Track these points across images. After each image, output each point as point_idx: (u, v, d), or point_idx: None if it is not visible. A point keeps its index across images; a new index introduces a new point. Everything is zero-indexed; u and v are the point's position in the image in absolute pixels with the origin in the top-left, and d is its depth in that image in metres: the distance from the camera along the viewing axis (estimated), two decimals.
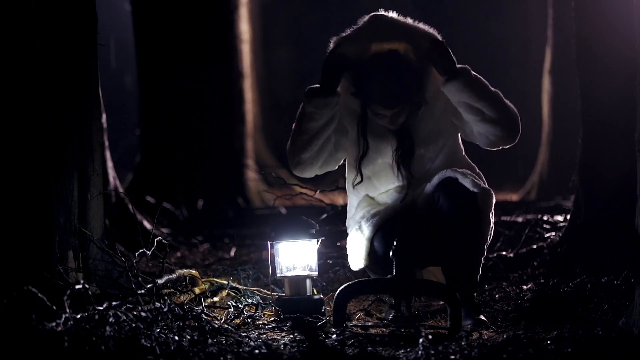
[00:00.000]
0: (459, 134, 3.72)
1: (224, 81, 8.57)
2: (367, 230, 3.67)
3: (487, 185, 3.59)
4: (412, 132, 3.65)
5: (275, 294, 4.02)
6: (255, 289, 4.09)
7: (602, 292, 3.82)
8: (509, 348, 2.91)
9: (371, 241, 3.65)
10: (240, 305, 3.82)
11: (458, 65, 3.52)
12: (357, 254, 3.72)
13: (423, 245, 3.59)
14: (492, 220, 3.59)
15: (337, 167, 3.80)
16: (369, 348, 3.09)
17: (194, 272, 4.01)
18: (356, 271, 4.38)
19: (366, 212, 3.71)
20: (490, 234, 3.60)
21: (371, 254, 3.65)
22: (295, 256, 3.75)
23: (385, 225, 3.64)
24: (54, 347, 2.66)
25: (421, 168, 3.67)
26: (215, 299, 3.94)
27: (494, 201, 3.58)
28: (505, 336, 3.12)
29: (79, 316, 2.83)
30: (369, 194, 3.76)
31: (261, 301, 3.94)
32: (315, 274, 3.76)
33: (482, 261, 3.60)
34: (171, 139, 8.33)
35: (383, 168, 3.70)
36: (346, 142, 3.72)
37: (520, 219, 5.51)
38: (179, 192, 7.91)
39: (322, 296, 3.75)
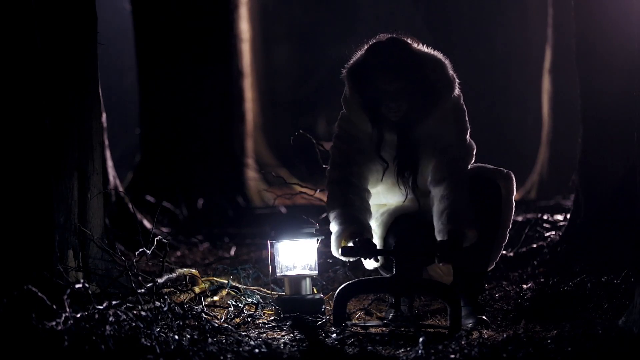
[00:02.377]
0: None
1: (224, 80, 8.57)
2: (378, 229, 3.69)
3: (508, 171, 3.63)
4: (417, 148, 3.65)
5: (275, 293, 4.02)
6: (255, 288, 4.09)
7: (602, 291, 3.82)
8: (509, 347, 2.91)
9: (384, 239, 3.67)
10: (240, 305, 3.82)
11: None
12: None
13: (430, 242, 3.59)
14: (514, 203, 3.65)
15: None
16: (369, 347, 3.09)
17: (194, 271, 4.01)
18: (357, 270, 4.38)
19: (374, 211, 3.72)
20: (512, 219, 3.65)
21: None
22: (295, 255, 3.75)
23: (397, 222, 3.65)
24: (54, 347, 2.66)
25: (426, 182, 3.67)
26: (215, 298, 3.94)
27: (515, 183, 3.62)
28: (505, 335, 3.12)
29: (79, 315, 2.82)
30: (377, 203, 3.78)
31: (261, 300, 3.94)
32: (315, 273, 3.76)
33: (502, 248, 3.66)
34: (171, 138, 8.33)
35: (390, 187, 3.72)
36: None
37: (520, 218, 5.51)
38: (179, 191, 7.91)
39: (322, 295, 3.75)
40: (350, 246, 3.50)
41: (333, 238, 3.60)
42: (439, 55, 3.62)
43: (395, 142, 3.64)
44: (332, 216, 3.63)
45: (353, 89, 3.61)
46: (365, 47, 3.60)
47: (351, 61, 3.64)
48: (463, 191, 3.53)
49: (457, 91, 3.61)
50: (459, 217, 3.47)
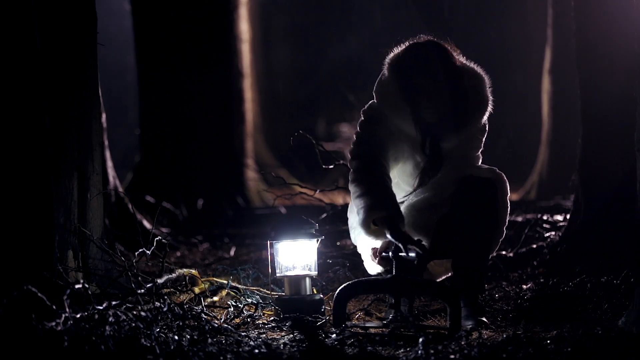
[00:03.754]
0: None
1: (223, 81, 8.58)
2: None
3: (500, 172, 3.65)
4: (443, 156, 3.66)
5: (275, 293, 4.02)
6: (255, 288, 4.09)
7: (602, 291, 3.82)
8: (509, 348, 2.91)
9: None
10: (240, 305, 3.82)
11: None
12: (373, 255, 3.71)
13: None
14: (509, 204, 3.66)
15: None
16: (369, 348, 3.09)
17: (193, 271, 4.01)
18: (357, 271, 4.38)
19: None
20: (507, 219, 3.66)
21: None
22: (295, 256, 3.75)
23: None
24: (54, 347, 2.66)
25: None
26: (215, 298, 3.94)
27: (508, 183, 3.63)
28: (505, 336, 3.12)
29: (78, 316, 2.82)
30: None
31: (261, 301, 3.94)
32: (314, 273, 3.76)
33: (499, 243, 3.66)
34: (171, 138, 8.33)
35: (403, 179, 3.73)
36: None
37: (520, 219, 5.52)
38: (178, 191, 7.91)
39: (321, 296, 3.75)
40: (387, 256, 3.48)
41: (363, 214, 3.52)
42: (479, 69, 3.65)
43: (429, 143, 3.65)
44: (361, 189, 3.54)
45: (394, 82, 3.60)
46: (406, 45, 3.62)
47: (392, 55, 3.63)
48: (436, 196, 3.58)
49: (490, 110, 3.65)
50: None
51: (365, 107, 3.71)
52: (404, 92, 3.59)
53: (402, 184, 3.73)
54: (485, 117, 3.66)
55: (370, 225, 3.54)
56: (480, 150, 3.71)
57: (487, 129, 3.69)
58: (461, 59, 3.65)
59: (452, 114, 3.59)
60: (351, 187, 3.61)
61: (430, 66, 3.54)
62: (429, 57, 3.55)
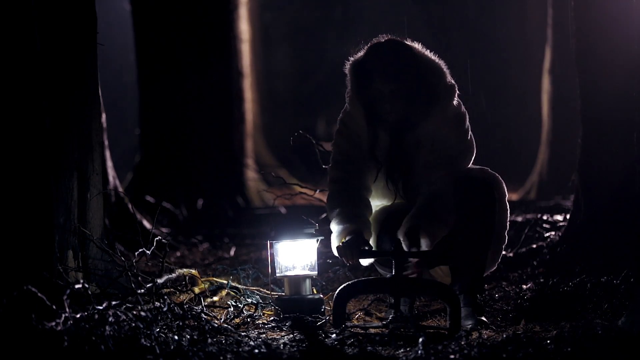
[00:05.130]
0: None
1: (223, 81, 8.57)
2: (372, 224, 3.70)
3: (493, 172, 3.64)
4: (410, 150, 3.64)
5: (274, 293, 4.02)
6: (254, 288, 4.09)
7: (601, 291, 3.82)
8: (509, 347, 2.91)
9: (378, 234, 3.68)
10: (239, 305, 3.82)
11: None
12: None
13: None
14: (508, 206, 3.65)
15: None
16: (369, 348, 3.09)
17: (193, 271, 4.01)
18: (356, 270, 4.38)
19: None
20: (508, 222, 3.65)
21: (379, 247, 3.67)
22: (295, 256, 3.75)
23: (390, 219, 3.66)
24: (54, 347, 2.66)
25: (419, 185, 3.67)
26: (215, 298, 3.94)
27: (504, 184, 3.63)
28: (504, 336, 3.12)
29: (78, 316, 2.83)
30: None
31: (261, 301, 3.94)
32: (314, 273, 3.76)
33: (502, 251, 3.65)
34: (171, 139, 8.33)
35: (382, 188, 3.72)
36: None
37: (520, 219, 5.51)
38: (178, 191, 7.91)
39: (321, 296, 3.75)
40: (338, 245, 3.53)
41: (333, 237, 3.61)
42: (439, 61, 3.62)
43: (388, 143, 3.64)
44: (332, 215, 3.64)
45: (353, 85, 3.63)
46: (367, 46, 3.62)
47: (353, 57, 3.65)
48: (441, 196, 3.54)
49: (456, 99, 3.61)
50: (418, 217, 3.48)
51: (340, 113, 3.72)
52: (362, 96, 3.60)
53: (385, 190, 3.73)
54: (453, 103, 3.60)
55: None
56: (470, 136, 3.65)
57: (465, 113, 3.63)
58: (422, 52, 3.61)
59: (412, 109, 3.56)
60: (327, 213, 3.70)
61: (387, 70, 3.52)
62: (387, 60, 3.53)
